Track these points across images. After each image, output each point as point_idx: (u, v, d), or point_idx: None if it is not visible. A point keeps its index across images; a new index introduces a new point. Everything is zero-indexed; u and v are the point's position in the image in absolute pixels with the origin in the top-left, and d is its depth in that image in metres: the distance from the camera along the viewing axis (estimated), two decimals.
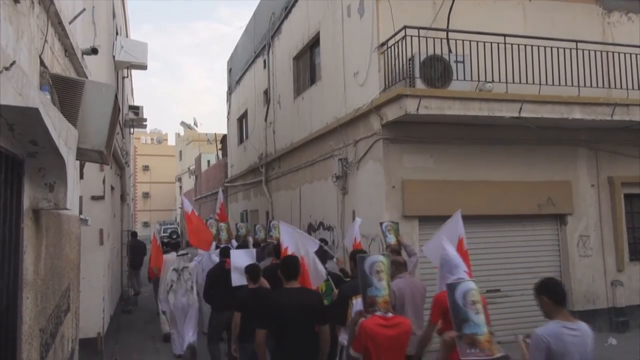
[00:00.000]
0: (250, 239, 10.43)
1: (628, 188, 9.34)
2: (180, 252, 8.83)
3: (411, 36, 7.54)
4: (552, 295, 3.30)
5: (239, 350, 5.43)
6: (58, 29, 4.31)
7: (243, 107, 18.34)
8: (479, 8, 8.70)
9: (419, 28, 7.60)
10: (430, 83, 7.64)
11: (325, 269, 6.08)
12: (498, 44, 8.03)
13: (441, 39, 7.89)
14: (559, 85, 8.27)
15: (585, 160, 9.17)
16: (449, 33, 8.04)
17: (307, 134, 11.20)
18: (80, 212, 6.43)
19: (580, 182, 9.12)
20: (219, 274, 6.98)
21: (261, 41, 15.54)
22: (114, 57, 10.01)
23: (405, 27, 7.55)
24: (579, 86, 8.35)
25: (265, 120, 15.01)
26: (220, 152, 27.58)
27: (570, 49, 8.39)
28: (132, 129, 15.34)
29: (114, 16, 10.56)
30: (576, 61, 8.42)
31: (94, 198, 8.02)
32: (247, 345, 5.17)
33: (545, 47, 8.27)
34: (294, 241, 5.93)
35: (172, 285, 8.38)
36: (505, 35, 8.04)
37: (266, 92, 15.07)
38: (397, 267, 5.22)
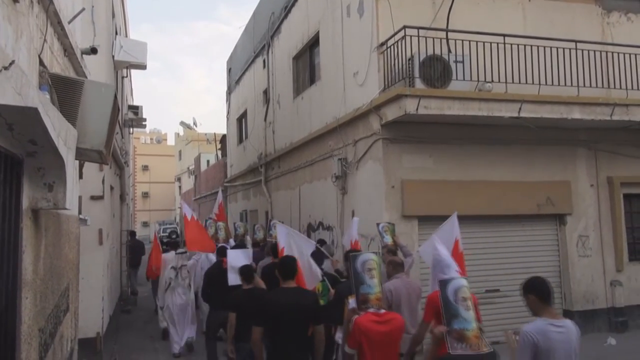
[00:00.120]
0: (248, 239, 10.48)
1: (627, 188, 9.35)
2: (179, 251, 8.90)
3: (411, 36, 7.54)
4: (538, 293, 3.40)
5: (234, 348, 5.51)
6: (57, 29, 4.31)
7: (242, 107, 18.34)
8: (478, 8, 8.70)
9: (418, 28, 7.60)
10: (430, 83, 7.64)
11: (322, 269, 6.15)
12: (497, 44, 8.03)
13: (441, 39, 7.89)
14: (559, 85, 8.27)
15: (584, 160, 9.18)
16: (449, 33, 8.04)
17: (307, 134, 11.20)
18: (80, 212, 6.43)
19: (580, 182, 9.13)
20: (217, 273, 7.01)
21: (261, 41, 15.54)
22: (113, 56, 10.00)
23: (404, 27, 7.55)
24: (578, 86, 8.35)
25: (265, 120, 15.00)
26: (219, 152, 27.56)
27: (570, 49, 8.40)
28: (131, 129, 15.33)
29: (113, 16, 10.56)
30: (575, 61, 8.43)
31: (93, 198, 8.02)
32: (243, 344, 5.29)
33: (544, 47, 8.27)
34: (288, 242, 6.04)
35: (170, 283, 8.46)
36: (504, 35, 8.05)
37: (266, 92, 15.07)
38: (395, 267, 5.30)
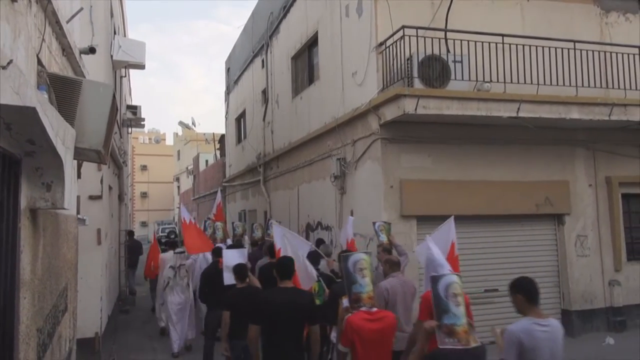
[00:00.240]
0: (247, 238, 10.50)
1: (625, 188, 9.36)
2: (178, 250, 8.98)
3: (409, 36, 7.54)
4: (526, 293, 3.47)
5: (229, 346, 5.61)
6: (55, 28, 4.30)
7: (241, 106, 18.33)
8: (477, 8, 8.71)
9: (417, 28, 7.61)
10: (429, 83, 7.64)
11: (318, 269, 6.26)
12: (496, 43, 8.04)
13: (439, 38, 7.90)
14: (557, 85, 8.28)
15: (583, 160, 9.19)
16: (447, 33, 8.05)
17: (305, 134, 11.20)
18: (78, 212, 6.42)
19: (578, 182, 9.14)
20: (213, 273, 7.10)
21: (259, 41, 15.53)
22: (111, 56, 9.99)
23: (403, 27, 7.55)
24: (576, 86, 8.36)
25: (264, 120, 15.00)
26: (218, 152, 27.56)
27: (568, 49, 8.41)
28: (130, 129, 15.32)
29: (112, 15, 10.54)
30: (574, 61, 8.44)
31: (91, 198, 8.01)
32: (237, 342, 5.45)
33: (543, 47, 8.28)
34: (284, 243, 6.15)
35: (168, 283, 8.52)
36: (503, 35, 8.05)
37: (264, 92, 15.06)
38: (391, 266, 5.40)
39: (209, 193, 25.94)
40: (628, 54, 8.73)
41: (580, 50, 8.46)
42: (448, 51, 7.95)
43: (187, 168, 40.87)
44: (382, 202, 7.94)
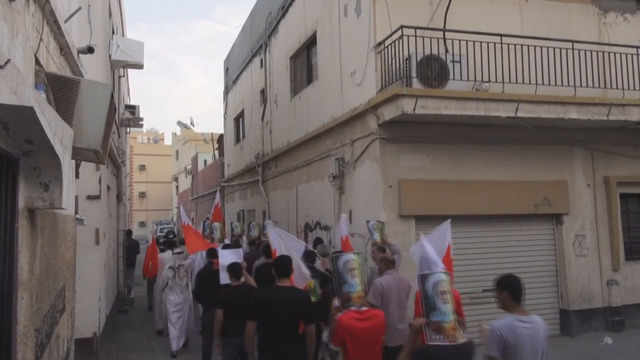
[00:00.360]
0: (245, 239, 10.52)
1: (624, 188, 9.37)
2: (176, 251, 9.06)
3: (408, 36, 7.54)
4: (512, 291, 3.59)
5: (223, 344, 5.73)
6: (53, 28, 4.29)
7: (240, 106, 18.32)
8: (475, 8, 8.71)
9: (415, 28, 7.61)
10: (427, 83, 7.64)
11: (314, 267, 6.45)
12: (495, 43, 8.04)
13: (438, 38, 7.89)
14: (555, 85, 8.28)
15: (581, 160, 9.20)
16: (446, 33, 8.05)
17: (304, 134, 11.19)
18: (76, 212, 6.41)
19: (576, 181, 9.15)
20: (208, 274, 7.20)
21: (258, 40, 15.52)
22: (110, 56, 9.98)
23: (402, 27, 7.55)
24: (575, 86, 8.37)
25: (262, 119, 14.99)
26: (216, 152, 27.53)
27: (567, 49, 8.41)
28: (128, 129, 15.30)
29: (110, 15, 10.52)
30: (572, 61, 8.45)
31: (89, 197, 8.01)
32: (230, 339, 5.57)
33: (541, 47, 8.29)
34: (279, 244, 6.36)
35: (167, 283, 8.58)
36: (501, 35, 8.06)
37: (263, 92, 15.05)
38: (386, 264, 5.52)
39: (207, 193, 25.92)
40: (626, 54, 8.74)
41: (579, 50, 8.47)
42: (447, 51, 7.95)
43: (185, 168, 40.83)
44: (380, 202, 7.94)
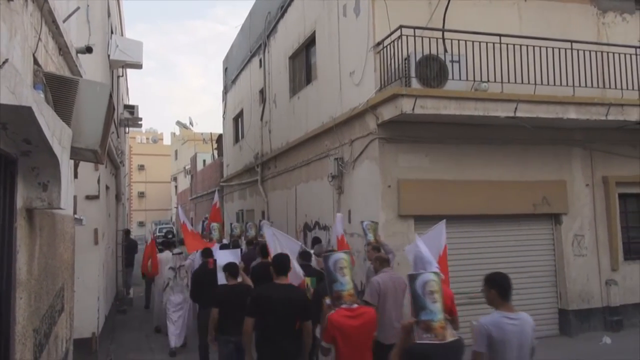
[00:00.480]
0: (244, 240, 10.54)
1: (622, 187, 9.38)
2: (176, 252, 9.13)
3: (407, 36, 7.54)
4: (500, 289, 3.66)
5: (219, 342, 5.83)
6: (52, 27, 4.28)
7: (239, 106, 18.31)
8: (474, 8, 8.72)
9: (414, 28, 7.61)
10: (426, 83, 7.64)
11: (310, 266, 6.64)
12: (493, 43, 8.04)
13: (437, 38, 7.90)
14: (554, 85, 8.29)
15: (580, 160, 9.21)
16: (445, 33, 8.05)
17: (303, 134, 11.19)
18: (75, 212, 6.40)
19: (575, 181, 9.16)
20: (203, 273, 7.28)
21: (257, 40, 15.51)
22: (108, 56, 9.97)
23: (401, 27, 7.55)
24: (573, 86, 8.38)
25: (261, 119, 14.99)
26: (215, 152, 27.52)
27: (565, 49, 8.42)
28: (127, 128, 15.28)
29: (109, 15, 10.51)
30: (571, 61, 8.45)
31: (88, 197, 8.00)
32: (225, 337, 5.68)
33: (540, 47, 8.29)
34: (274, 243, 6.56)
35: (168, 283, 8.68)
36: (500, 35, 8.06)
37: (262, 92, 15.05)
38: (381, 263, 5.61)
39: (206, 193, 25.91)
40: (625, 54, 8.74)
41: (578, 50, 8.48)
42: (445, 51, 7.95)
43: (184, 168, 40.81)
44: (379, 202, 7.95)
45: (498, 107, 7.76)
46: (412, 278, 3.66)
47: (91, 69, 7.07)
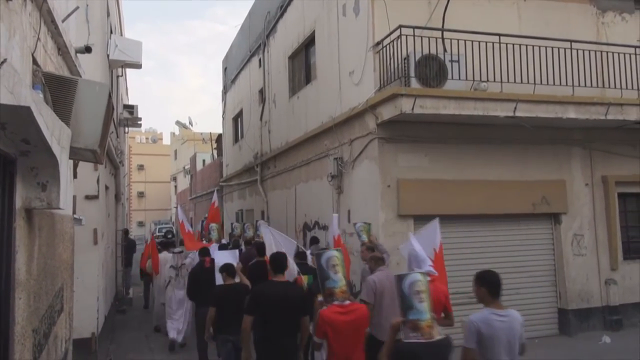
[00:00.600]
0: (242, 240, 10.58)
1: (622, 187, 9.38)
2: (176, 250, 9.26)
3: (406, 35, 7.54)
4: (490, 287, 3.75)
5: (217, 341, 5.95)
6: (51, 27, 4.28)
7: (238, 106, 18.30)
8: (474, 8, 8.71)
9: (414, 27, 7.60)
10: (426, 82, 7.64)
11: (306, 264, 6.81)
12: (493, 43, 8.04)
13: (436, 38, 7.90)
14: (554, 84, 8.29)
15: (579, 160, 9.21)
16: (444, 32, 8.05)
17: (303, 134, 11.19)
18: (74, 212, 6.40)
19: (575, 181, 9.16)
20: (200, 272, 7.37)
21: (256, 40, 15.51)
22: (108, 55, 9.96)
23: (400, 27, 7.55)
24: (573, 86, 8.38)
25: (261, 119, 14.98)
26: (215, 152, 27.50)
27: (565, 49, 8.42)
28: (126, 128, 15.28)
29: (108, 15, 10.51)
30: (570, 61, 8.45)
31: (88, 197, 8.00)
32: (224, 336, 5.77)
33: (539, 46, 8.29)
34: (270, 242, 6.73)
35: (169, 281, 8.78)
36: (500, 35, 8.06)
37: (261, 92, 15.04)
38: (376, 262, 5.69)
39: (206, 193, 25.89)
40: (624, 54, 8.74)
41: (577, 49, 8.48)
42: (445, 51, 7.95)
43: (184, 168, 40.76)
44: (379, 202, 7.94)
45: (497, 107, 7.76)
46: (400, 278, 3.75)
47: (90, 68, 7.07)
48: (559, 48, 8.38)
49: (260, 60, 15.12)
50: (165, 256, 10.05)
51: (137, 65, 10.94)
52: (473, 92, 7.87)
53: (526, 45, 8.24)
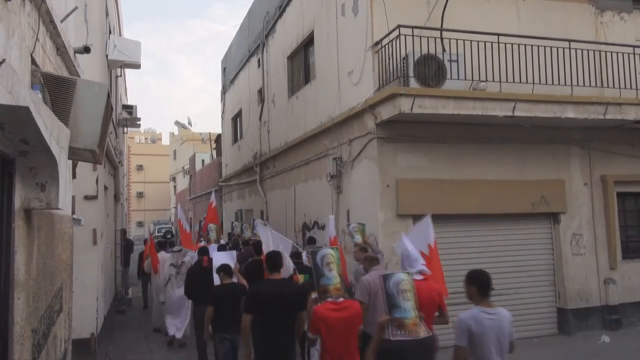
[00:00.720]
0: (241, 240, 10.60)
1: (621, 186, 9.39)
2: (176, 249, 9.32)
3: (405, 35, 7.54)
4: (479, 286, 3.81)
5: (215, 340, 6.00)
6: (50, 28, 4.28)
7: (237, 106, 18.30)
8: (472, 7, 8.72)
9: (413, 27, 7.61)
10: (425, 82, 7.64)
11: (302, 263, 6.90)
12: (492, 43, 8.05)
13: (435, 38, 7.90)
14: (552, 84, 8.30)
15: (578, 159, 9.22)
16: (443, 32, 8.05)
17: (302, 133, 11.19)
18: (73, 212, 6.40)
19: (574, 180, 9.16)
20: (198, 271, 7.43)
21: (255, 40, 15.51)
22: (107, 55, 9.94)
23: (399, 26, 7.55)
24: (572, 85, 8.39)
25: (260, 119, 14.98)
26: (214, 152, 27.50)
27: (564, 49, 8.43)
28: (125, 128, 15.26)
29: (107, 15, 10.50)
30: (569, 60, 8.46)
31: (87, 198, 8.00)
32: (220, 335, 5.86)
33: (538, 46, 8.30)
34: (267, 241, 6.85)
35: (169, 279, 8.85)
36: (499, 35, 8.06)
37: (260, 92, 15.04)
38: (370, 262, 5.72)
39: (205, 193, 25.86)
40: (623, 53, 8.75)
41: (576, 49, 8.48)
42: (444, 50, 7.95)
43: (183, 168, 40.74)
44: (378, 202, 7.95)
45: (496, 107, 7.77)
46: (386, 278, 3.84)
47: (89, 69, 7.07)
48: (557, 48, 8.39)
49: (259, 60, 15.12)
50: (163, 256, 10.11)
51: (136, 66, 10.92)
52: (472, 92, 7.87)
53: (525, 45, 8.24)
